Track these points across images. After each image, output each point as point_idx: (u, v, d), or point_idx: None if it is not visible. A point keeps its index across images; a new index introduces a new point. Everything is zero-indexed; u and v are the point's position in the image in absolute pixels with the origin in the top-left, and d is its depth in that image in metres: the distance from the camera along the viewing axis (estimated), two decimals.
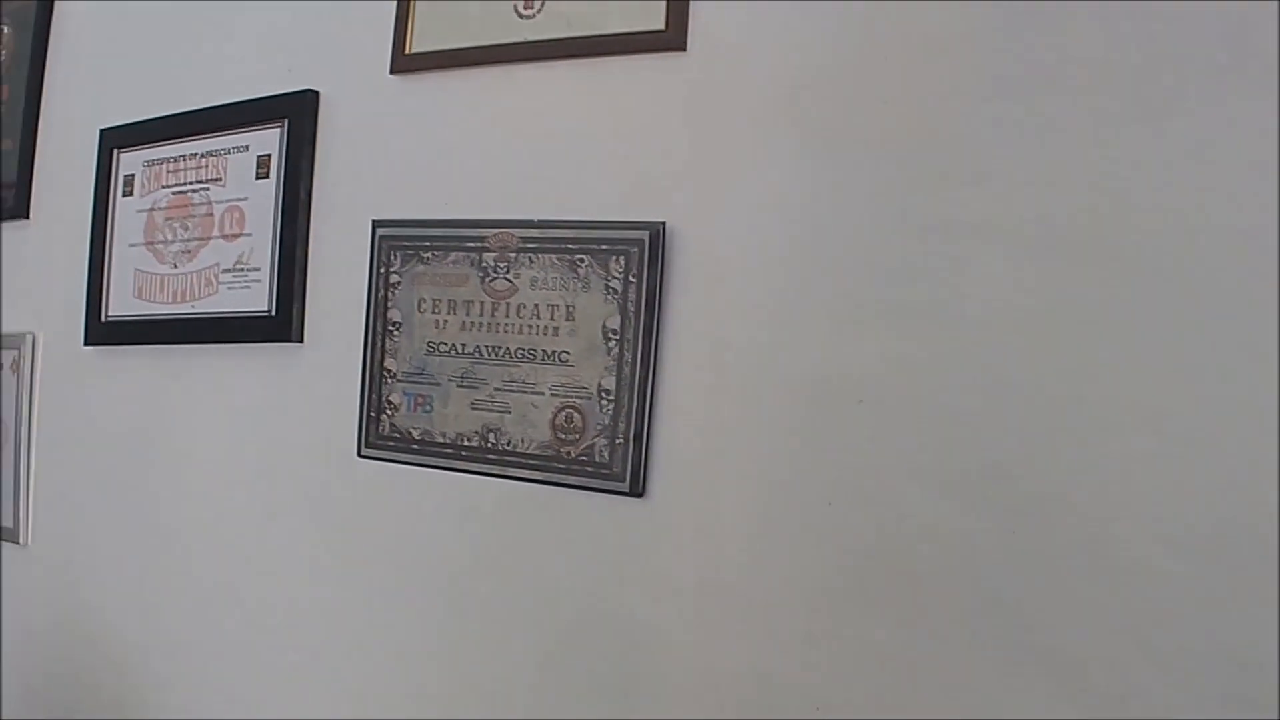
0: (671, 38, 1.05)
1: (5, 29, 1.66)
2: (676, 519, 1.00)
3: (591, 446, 1.04)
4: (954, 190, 0.89)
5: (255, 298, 1.25)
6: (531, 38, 1.12)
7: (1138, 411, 0.81)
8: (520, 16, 1.13)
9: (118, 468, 1.42)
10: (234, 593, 1.29)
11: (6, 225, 1.59)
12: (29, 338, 1.52)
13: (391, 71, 1.20)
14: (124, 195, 1.41)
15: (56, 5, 1.59)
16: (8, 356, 1.54)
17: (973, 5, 0.90)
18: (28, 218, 1.57)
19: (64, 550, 1.49)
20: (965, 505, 0.87)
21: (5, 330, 1.56)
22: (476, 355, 1.10)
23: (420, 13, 1.19)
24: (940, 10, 0.91)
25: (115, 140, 1.43)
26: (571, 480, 1.05)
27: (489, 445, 1.09)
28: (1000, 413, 0.86)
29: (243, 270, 1.26)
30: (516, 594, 1.08)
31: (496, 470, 1.09)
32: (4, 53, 1.65)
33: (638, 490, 1.02)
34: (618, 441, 1.03)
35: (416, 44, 1.19)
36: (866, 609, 0.90)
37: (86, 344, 1.44)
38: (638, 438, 1.02)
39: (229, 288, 1.27)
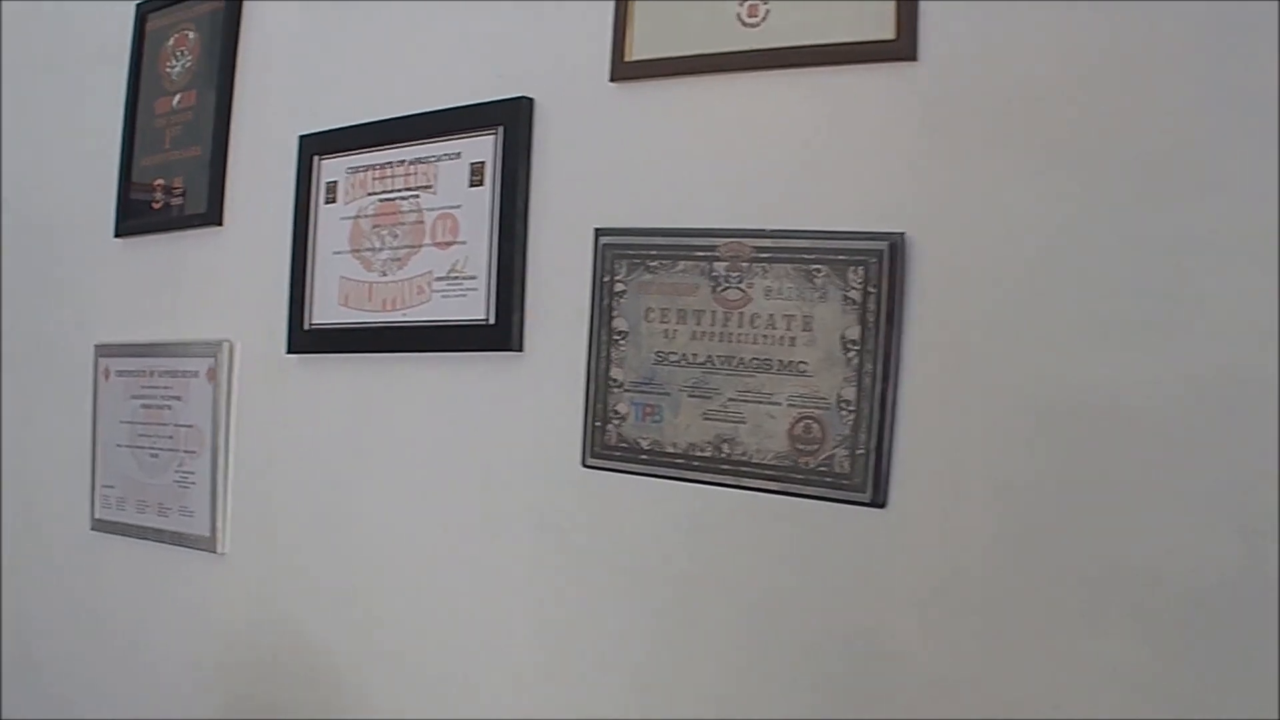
0: (901, 47, 1.21)
1: (191, 34, 1.93)
2: (917, 530, 1.17)
3: (831, 457, 1.21)
4: (1198, 203, 1.02)
5: (472, 306, 1.46)
6: (756, 46, 1.30)
7: None
8: (744, 24, 1.31)
9: (321, 476, 1.66)
10: (445, 604, 1.51)
11: (199, 233, 1.85)
12: (226, 346, 1.78)
13: (611, 79, 1.39)
14: (326, 202, 1.65)
15: (245, 10, 1.85)
16: (203, 364, 1.81)
17: (1216, 13, 1.03)
18: (221, 225, 1.83)
19: (262, 559, 1.74)
20: (1211, 524, 1.00)
21: (201, 338, 1.83)
22: (708, 365, 1.29)
23: (639, 20, 1.38)
24: (1183, 17, 1.05)
25: (316, 147, 1.67)
26: (809, 491, 1.22)
27: (722, 455, 1.28)
28: (1244, 429, 0.99)
29: (457, 278, 1.48)
30: (748, 606, 1.26)
31: (730, 481, 1.27)
32: (190, 59, 1.92)
33: (879, 501, 1.18)
34: (858, 452, 1.19)
35: (636, 51, 1.38)
36: (1108, 626, 1.05)
37: (289, 352, 1.68)
38: (879, 448, 1.18)
39: (443, 296, 1.49)
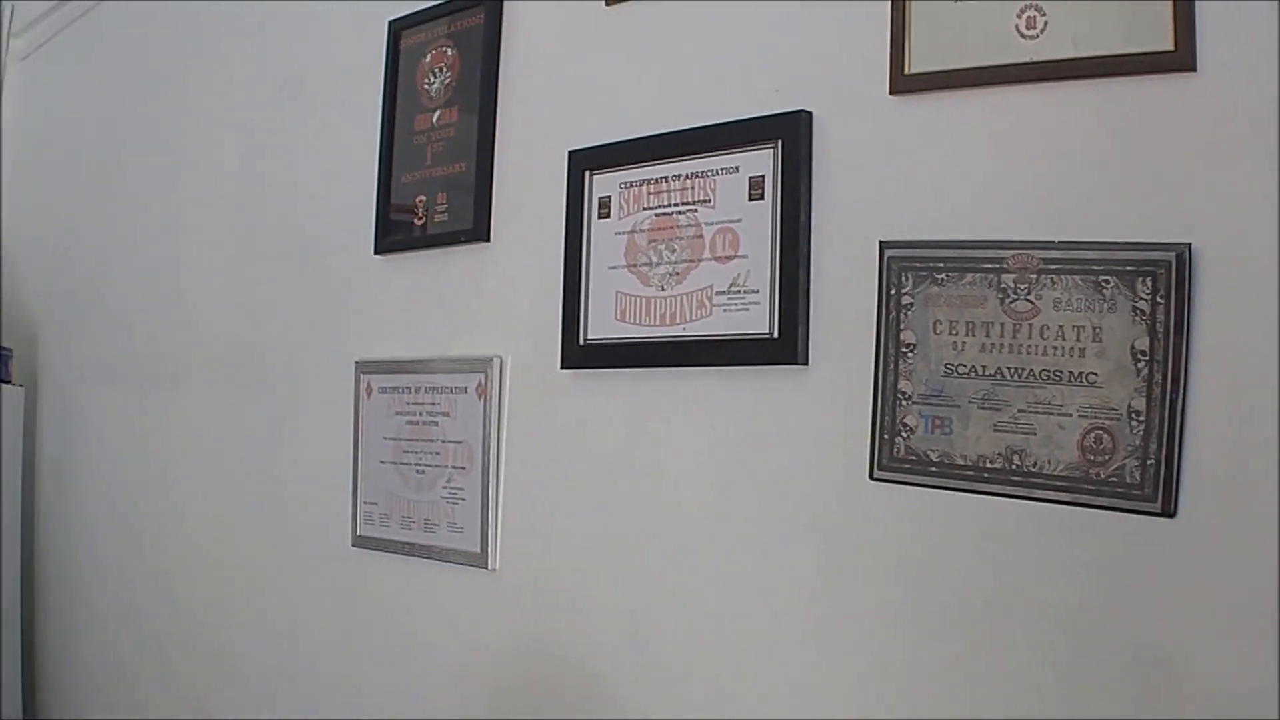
0: (1180, 58, 1.51)
1: (449, 51, 2.40)
2: (1207, 540, 1.46)
3: (1122, 467, 1.53)
4: None
5: (754, 320, 1.85)
6: (1034, 58, 1.63)
7: None
8: (1022, 36, 1.64)
9: (595, 492, 2.07)
10: (723, 620, 1.89)
11: (465, 249, 2.32)
12: (496, 361, 2.23)
13: (891, 92, 1.75)
14: (600, 218, 2.07)
15: (505, 26, 2.30)
16: (472, 380, 2.27)
17: None
18: (488, 241, 2.28)
19: (533, 576, 2.18)
20: None
21: (469, 354, 2.29)
22: (998, 377, 1.63)
23: (917, 34, 1.73)
24: None
25: (586, 162, 2.10)
26: (1100, 501, 1.55)
27: (1012, 467, 1.62)
28: None
29: (739, 292, 1.87)
30: (1038, 617, 1.58)
31: (1021, 492, 1.61)
32: (449, 75, 2.39)
33: (1169, 511, 1.49)
34: (1149, 462, 1.51)
35: (914, 65, 1.74)
36: None
37: (563, 367, 2.11)
38: (1168, 458, 1.50)
39: (724, 310, 1.88)
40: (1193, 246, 1.48)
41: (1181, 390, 1.49)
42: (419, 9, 2.48)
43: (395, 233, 2.47)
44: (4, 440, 3.63)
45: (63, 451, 3.74)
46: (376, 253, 2.51)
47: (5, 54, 4.22)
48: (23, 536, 3.73)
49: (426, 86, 2.43)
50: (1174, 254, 1.49)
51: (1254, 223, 1.44)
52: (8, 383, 3.71)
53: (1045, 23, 1.62)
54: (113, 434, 3.51)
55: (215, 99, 3.15)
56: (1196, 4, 1.48)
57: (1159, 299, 1.50)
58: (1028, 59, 1.63)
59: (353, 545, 2.54)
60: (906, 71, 1.74)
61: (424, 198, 2.40)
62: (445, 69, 2.39)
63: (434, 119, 2.41)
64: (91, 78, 3.82)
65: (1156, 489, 1.50)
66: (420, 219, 2.40)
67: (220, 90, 3.13)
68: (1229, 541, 1.44)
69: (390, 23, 2.54)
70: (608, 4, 2.13)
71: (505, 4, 2.31)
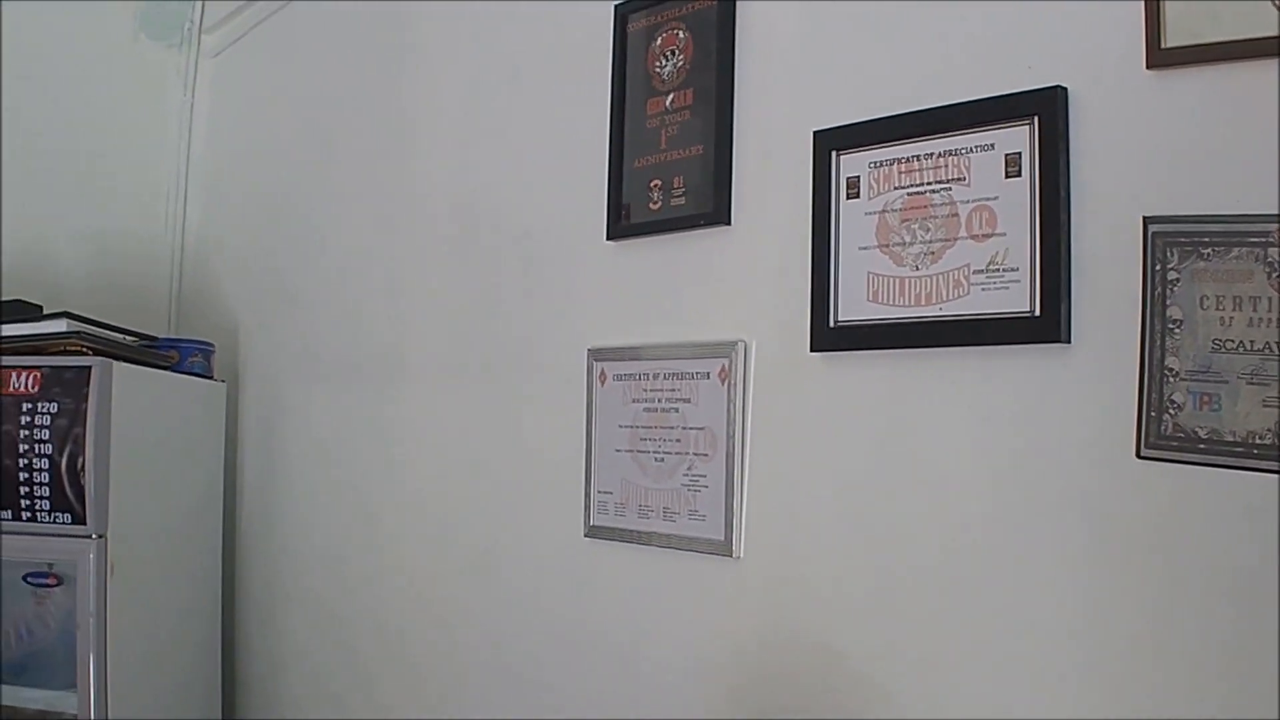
0: None
1: (681, 33, 2.66)
2: None
3: None
4: None
5: (1014, 299, 2.05)
6: None
7: None
8: (1276, 6, 1.83)
9: (845, 477, 2.29)
10: (983, 605, 2.08)
11: (703, 233, 2.57)
12: (740, 346, 2.48)
13: (1148, 66, 1.94)
14: (848, 198, 2.30)
15: (739, 6, 2.55)
16: (715, 365, 2.52)
17: None
18: (729, 224, 2.53)
19: (780, 564, 2.41)
20: None
21: (709, 339, 2.55)
22: (1266, 352, 1.81)
23: (1171, 8, 1.92)
24: None
25: (833, 142, 2.33)
26: None
27: None
28: None
29: (998, 270, 2.08)
30: None
31: None
32: (682, 58, 2.65)
33: None
34: None
35: (1171, 39, 1.92)
36: None
37: (813, 350, 2.34)
38: None
39: (982, 289, 2.09)
40: None
41: None
42: None
43: (629, 218, 2.72)
44: (206, 436, 4.02)
45: (266, 447, 4.12)
46: (609, 238, 2.76)
47: (197, 50, 4.63)
48: (224, 534, 4.12)
49: (658, 70, 2.68)
50: None
51: None
52: (209, 378, 4.08)
53: None
54: (321, 429, 3.87)
55: (426, 89, 3.47)
56: None
57: None
58: None
59: (585, 536, 2.80)
60: (1163, 46, 1.92)
61: (659, 182, 2.65)
62: (678, 51, 2.65)
63: (667, 102, 2.66)
64: (290, 72, 4.20)
65: None
66: (655, 204, 2.66)
67: (432, 80, 3.45)
68: None
69: (616, 7, 2.79)
70: None
71: None
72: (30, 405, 3.46)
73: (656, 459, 2.63)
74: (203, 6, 4.70)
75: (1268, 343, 1.79)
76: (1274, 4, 1.79)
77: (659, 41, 2.69)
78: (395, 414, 3.54)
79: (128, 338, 3.80)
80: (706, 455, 2.52)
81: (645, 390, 2.65)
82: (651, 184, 2.67)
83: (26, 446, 3.45)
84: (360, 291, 3.70)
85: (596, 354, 2.78)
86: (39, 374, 3.47)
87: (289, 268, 4.09)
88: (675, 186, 2.62)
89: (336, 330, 3.80)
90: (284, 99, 4.25)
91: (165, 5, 4.66)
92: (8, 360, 3.49)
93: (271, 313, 4.17)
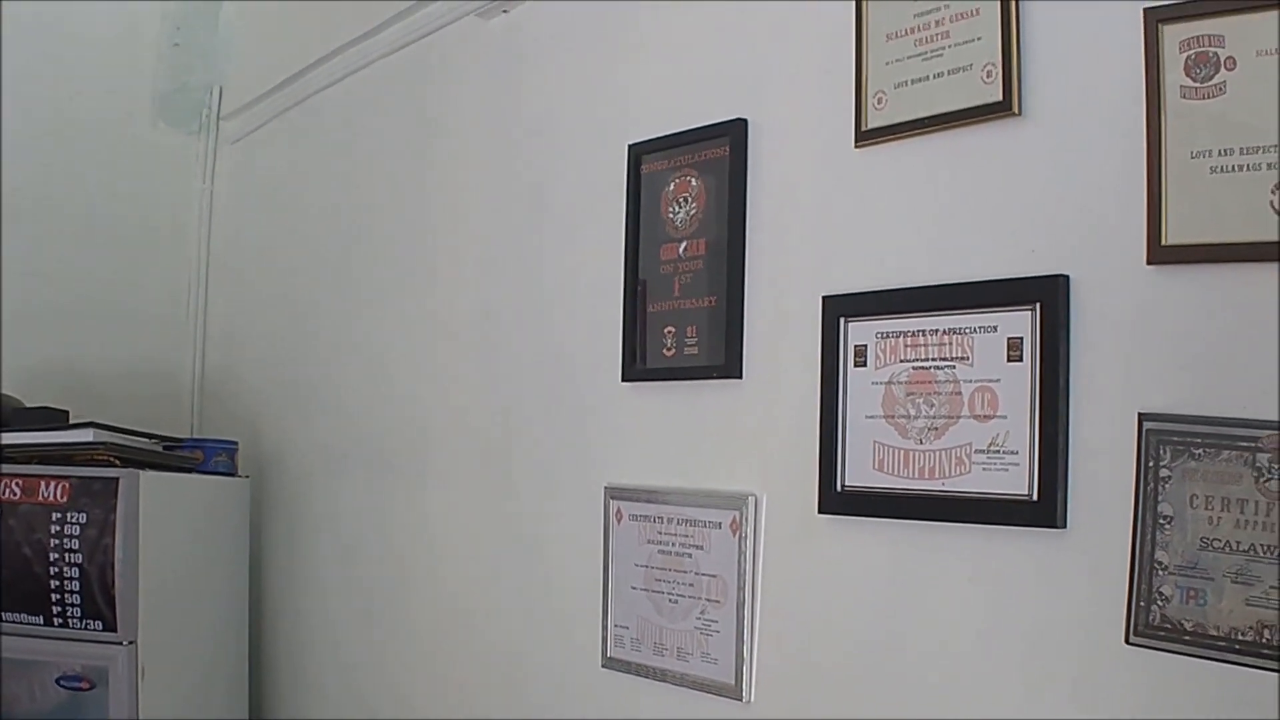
0: None
1: (694, 181, 2.78)
2: None
3: None
4: None
5: (1014, 481, 2.16)
6: None
7: None
8: (1277, 213, 1.93)
9: (853, 636, 2.39)
10: None
11: (716, 383, 2.69)
12: (751, 500, 2.59)
13: (1148, 261, 2.05)
14: (856, 365, 2.41)
15: (750, 161, 2.66)
16: (726, 516, 2.63)
17: None
18: (740, 377, 2.65)
19: (789, 710, 2.51)
20: None
21: (721, 489, 2.67)
22: (1251, 553, 1.91)
23: (1174, 205, 2.02)
24: None
25: (842, 309, 2.44)
26: None
27: (1264, 641, 1.88)
28: None
29: (998, 453, 2.18)
30: None
31: (1272, 666, 1.86)
32: (695, 206, 2.77)
33: None
34: None
35: (1173, 236, 2.03)
36: None
37: (820, 512, 2.46)
38: None
39: (983, 469, 2.20)
40: None
41: None
42: (660, 135, 2.84)
43: (643, 361, 2.84)
44: (231, 534, 4.14)
45: (290, 543, 4.24)
46: (624, 380, 2.88)
47: (215, 137, 4.75)
48: (250, 631, 4.23)
49: (671, 215, 2.80)
50: None
51: None
52: (233, 475, 4.21)
53: None
54: (346, 526, 3.99)
55: (451, 198, 3.59)
56: None
57: None
58: None
59: (603, 666, 2.91)
60: (1164, 243, 2.01)
61: (673, 329, 2.77)
62: (690, 199, 2.76)
63: (680, 250, 2.77)
64: (312, 163, 4.32)
65: None
66: (670, 350, 2.77)
67: (457, 190, 3.57)
68: None
69: (630, 147, 2.90)
70: (856, 145, 2.45)
71: (750, 137, 2.66)
72: (60, 515, 3.61)
73: (670, 600, 2.74)
74: (220, 92, 4.80)
75: (1254, 544, 1.88)
76: (1274, 209, 1.89)
77: (672, 186, 2.80)
78: (419, 515, 3.65)
79: (152, 442, 3.90)
80: (718, 602, 2.63)
81: (659, 533, 2.77)
82: (665, 330, 2.78)
83: (57, 555, 3.60)
84: (384, 391, 3.83)
85: (613, 492, 2.90)
86: (68, 484, 3.62)
87: (312, 362, 4.22)
88: (689, 335, 2.73)
89: (361, 427, 3.93)
90: (305, 190, 4.38)
91: (183, 91, 4.77)
92: (37, 469, 3.62)
93: (295, 407, 4.30)
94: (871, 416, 2.36)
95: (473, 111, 3.50)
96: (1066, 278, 2.12)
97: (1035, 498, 2.12)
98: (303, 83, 4.34)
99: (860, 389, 2.39)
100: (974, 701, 2.21)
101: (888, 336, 2.34)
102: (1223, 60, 1.95)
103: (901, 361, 2.32)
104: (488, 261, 3.41)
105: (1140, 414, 2.02)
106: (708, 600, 2.65)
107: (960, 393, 2.23)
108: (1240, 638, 1.89)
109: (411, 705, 3.64)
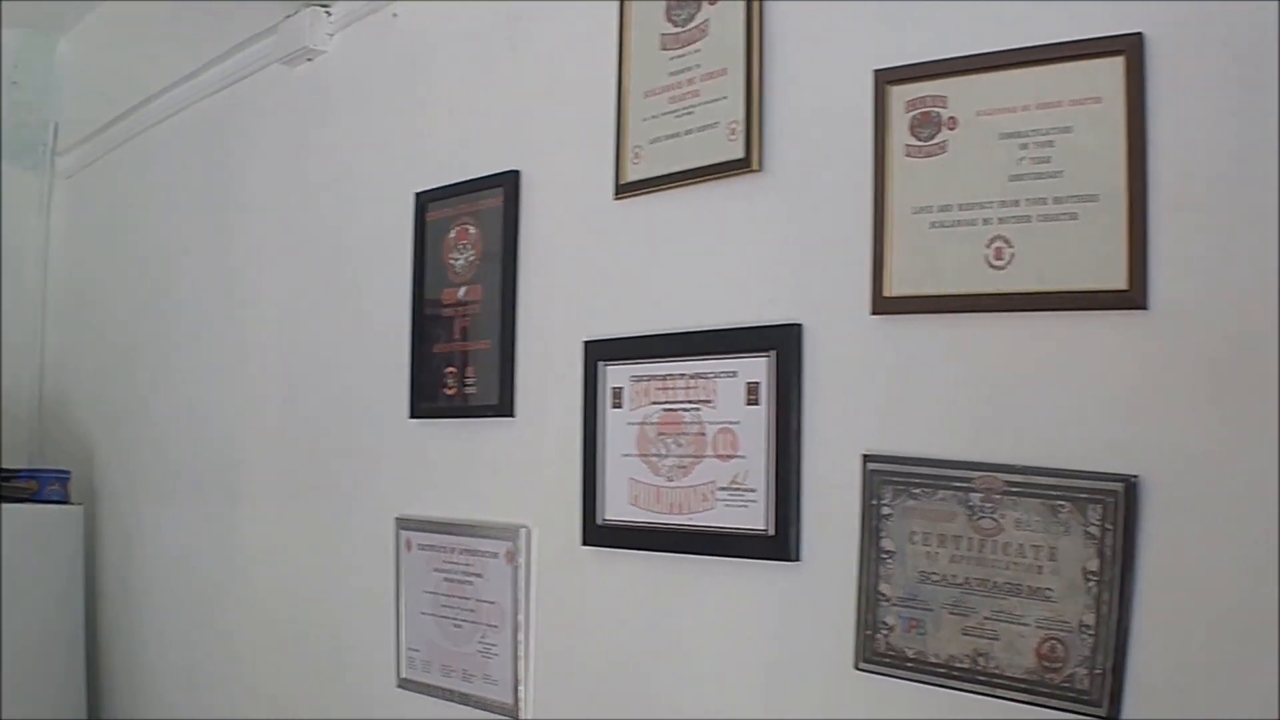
0: (1133, 297, 1.71)
1: (472, 229, 2.66)
2: None
3: (1073, 675, 1.75)
4: None
5: (752, 517, 2.08)
6: (1004, 289, 1.85)
7: None
8: (991, 266, 1.87)
9: (617, 659, 2.31)
10: None
11: (492, 421, 2.58)
12: (523, 532, 2.49)
13: (873, 312, 1.98)
14: (613, 407, 2.32)
15: (522, 212, 2.56)
16: (502, 546, 2.52)
17: None
18: (513, 416, 2.54)
19: None
20: None
21: (499, 521, 2.55)
22: (966, 586, 1.86)
23: (897, 258, 1.96)
24: None
25: (600, 353, 2.35)
26: (1054, 704, 1.75)
27: (978, 668, 1.84)
28: None
29: (739, 490, 2.11)
30: None
31: (985, 691, 1.82)
32: (473, 253, 2.65)
33: (1114, 715, 1.68)
34: (1097, 671, 1.73)
35: (895, 287, 1.96)
36: None
37: (584, 544, 2.37)
38: (1115, 669, 1.71)
39: (726, 505, 2.12)
40: (1140, 478, 1.69)
41: (1128, 609, 1.70)
42: (444, 185, 2.73)
43: (428, 399, 2.73)
44: (66, 560, 3.95)
45: (123, 566, 4.07)
46: (411, 417, 2.76)
47: (51, 172, 4.51)
48: (87, 650, 4.03)
49: (452, 261, 2.69)
50: (1123, 484, 1.70)
51: (1198, 457, 1.64)
52: (66, 503, 4.01)
53: (1013, 254, 1.83)
54: (173, 546, 3.83)
55: (256, 241, 3.47)
56: (1149, 246, 1.69)
57: (1108, 525, 1.72)
58: (995, 289, 1.84)
59: (398, 686, 2.80)
60: (886, 294, 1.96)
61: (454, 369, 2.66)
62: (469, 246, 2.65)
63: (460, 294, 2.67)
64: (140, 199, 4.16)
65: (1103, 696, 1.71)
66: (451, 389, 2.66)
67: (262, 234, 3.44)
68: None
69: (416, 195, 2.80)
70: (616, 197, 2.37)
71: (522, 189, 2.56)
72: None
73: (455, 625, 2.64)
74: (56, 128, 4.57)
75: (967, 578, 1.84)
76: (989, 263, 1.84)
77: (453, 234, 2.70)
78: (234, 541, 3.52)
79: None
80: (496, 626, 2.54)
81: (444, 561, 2.66)
82: (448, 370, 2.68)
83: None
84: (199, 423, 3.69)
85: (403, 522, 2.79)
86: None
87: (137, 394, 4.05)
88: (468, 375, 2.63)
89: (180, 458, 3.78)
90: (131, 227, 4.21)
91: (22, 127, 4.54)
92: None
93: (124, 437, 4.13)
94: (627, 455, 2.28)
95: (276, 157, 3.38)
96: (800, 326, 2.06)
97: (772, 532, 2.05)
98: (130, 121, 4.17)
99: (617, 429, 2.30)
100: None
101: (641, 380, 2.26)
102: (945, 120, 1.91)
103: (653, 404, 2.24)
104: (289, 302, 3.29)
105: (864, 455, 1.95)
106: (487, 625, 2.55)
107: (705, 433, 2.15)
108: (957, 665, 1.85)
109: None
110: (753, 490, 2.08)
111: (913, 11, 1.95)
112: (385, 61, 3.01)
